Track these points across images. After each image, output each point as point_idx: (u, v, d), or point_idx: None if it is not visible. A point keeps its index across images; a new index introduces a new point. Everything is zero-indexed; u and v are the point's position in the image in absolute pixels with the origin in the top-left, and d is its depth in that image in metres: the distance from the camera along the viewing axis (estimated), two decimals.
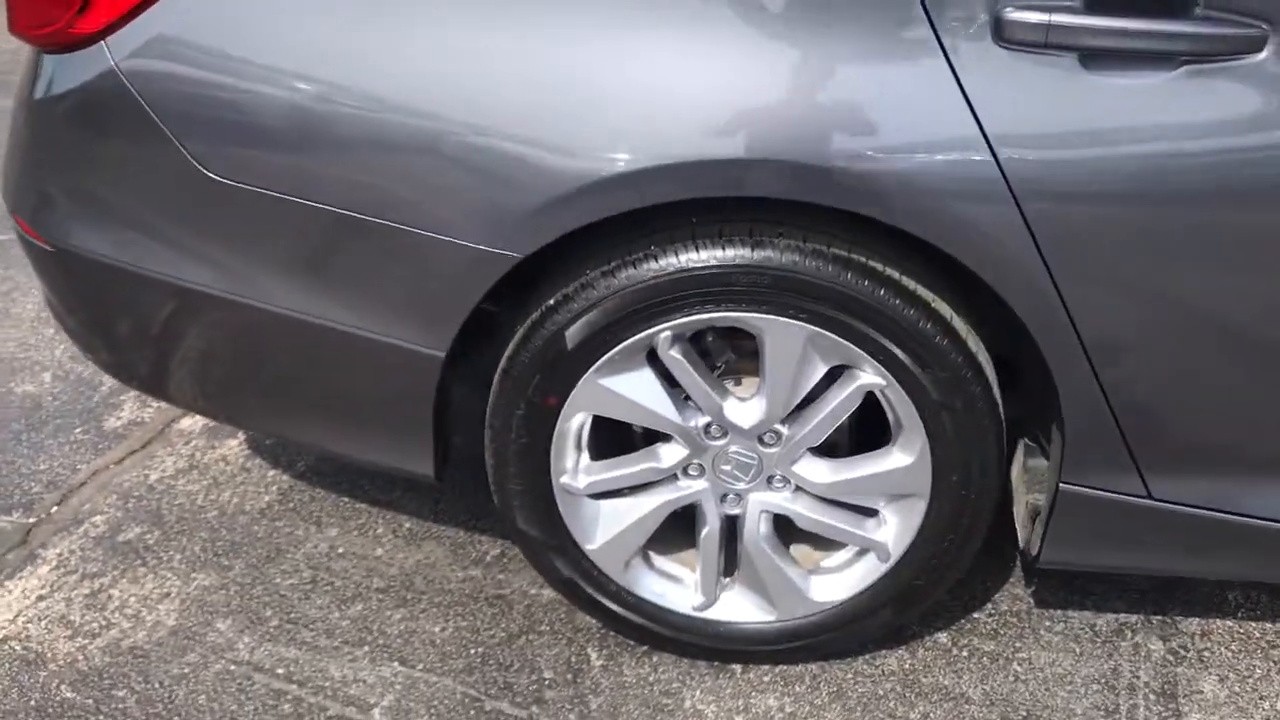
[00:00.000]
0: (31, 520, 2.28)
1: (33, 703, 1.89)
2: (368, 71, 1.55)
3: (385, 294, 1.68)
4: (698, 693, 1.91)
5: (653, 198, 1.52)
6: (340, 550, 2.20)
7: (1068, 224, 1.47)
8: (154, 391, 1.99)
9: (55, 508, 2.32)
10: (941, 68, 1.42)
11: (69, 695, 1.90)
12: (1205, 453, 1.68)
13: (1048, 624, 2.03)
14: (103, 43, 1.64)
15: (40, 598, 2.09)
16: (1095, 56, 1.40)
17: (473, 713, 1.88)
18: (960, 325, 1.62)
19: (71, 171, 1.76)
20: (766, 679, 1.93)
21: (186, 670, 1.95)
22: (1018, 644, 2.00)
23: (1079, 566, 1.86)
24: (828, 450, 1.83)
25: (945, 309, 1.61)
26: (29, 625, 2.03)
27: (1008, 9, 1.40)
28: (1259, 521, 1.68)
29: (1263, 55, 1.38)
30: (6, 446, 2.48)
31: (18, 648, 1.99)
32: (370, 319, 1.70)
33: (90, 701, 1.89)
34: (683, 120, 1.48)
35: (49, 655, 1.97)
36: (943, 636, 2.01)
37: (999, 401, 1.68)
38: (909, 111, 1.45)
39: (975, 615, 2.05)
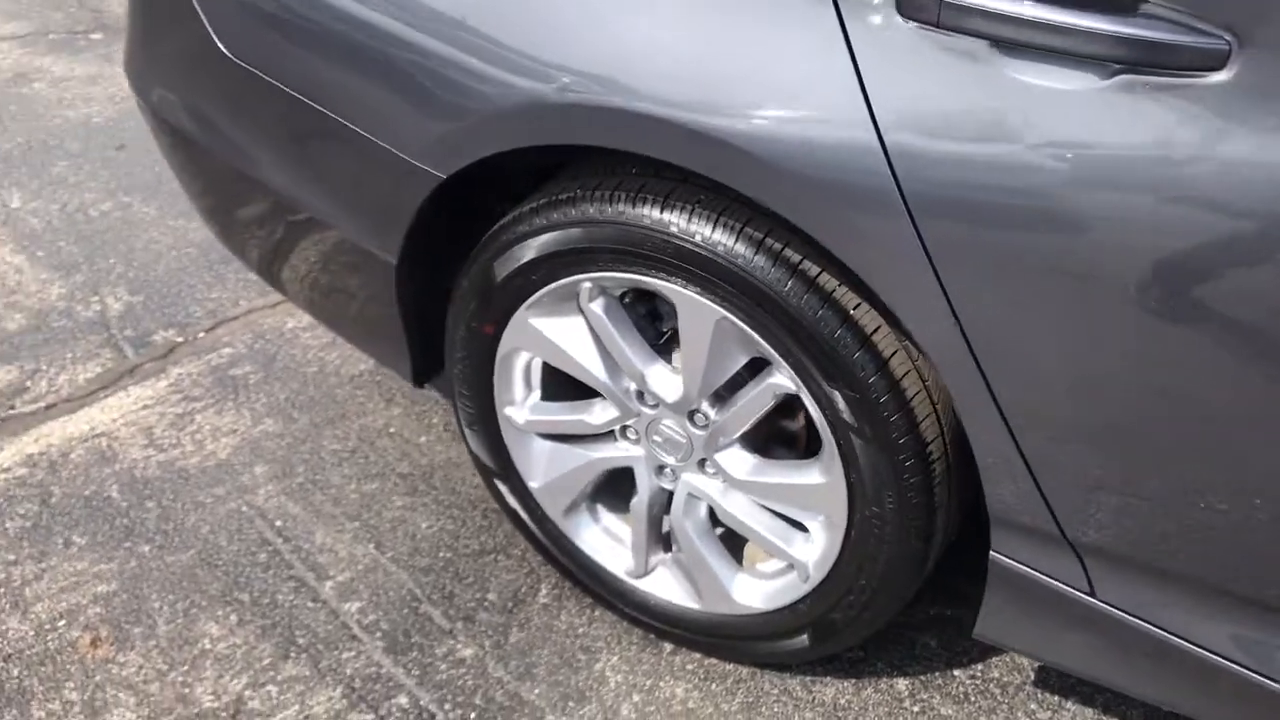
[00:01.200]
0: (180, 340, 2.58)
1: (87, 492, 2.17)
2: None
3: (347, 192, 1.72)
4: (615, 658, 1.84)
5: (543, 137, 1.43)
6: (392, 430, 2.31)
7: (967, 244, 1.21)
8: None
9: (203, 334, 2.60)
10: (832, 26, 1.20)
11: (113, 494, 2.17)
12: (1167, 557, 1.34)
13: (1033, 707, 1.74)
14: None
15: (145, 406, 2.38)
16: (1011, 45, 1.13)
17: (405, 610, 1.93)
18: (886, 342, 1.40)
19: (145, 32, 1.93)
20: (690, 667, 1.82)
21: (209, 501, 2.15)
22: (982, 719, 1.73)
23: (1011, 649, 1.57)
24: (788, 444, 1.67)
25: (871, 320, 1.39)
26: (122, 428, 2.32)
27: None
28: (1220, 661, 1.34)
29: (1222, 76, 1.05)
30: (197, 273, 2.80)
31: (104, 444, 2.28)
32: (342, 215, 1.74)
33: (125, 505, 2.15)
34: (555, 60, 1.37)
35: (121, 457, 2.25)
36: (903, 684, 1.79)
37: (931, 439, 1.44)
38: (784, 71, 1.24)
39: (955, 671, 1.80)
